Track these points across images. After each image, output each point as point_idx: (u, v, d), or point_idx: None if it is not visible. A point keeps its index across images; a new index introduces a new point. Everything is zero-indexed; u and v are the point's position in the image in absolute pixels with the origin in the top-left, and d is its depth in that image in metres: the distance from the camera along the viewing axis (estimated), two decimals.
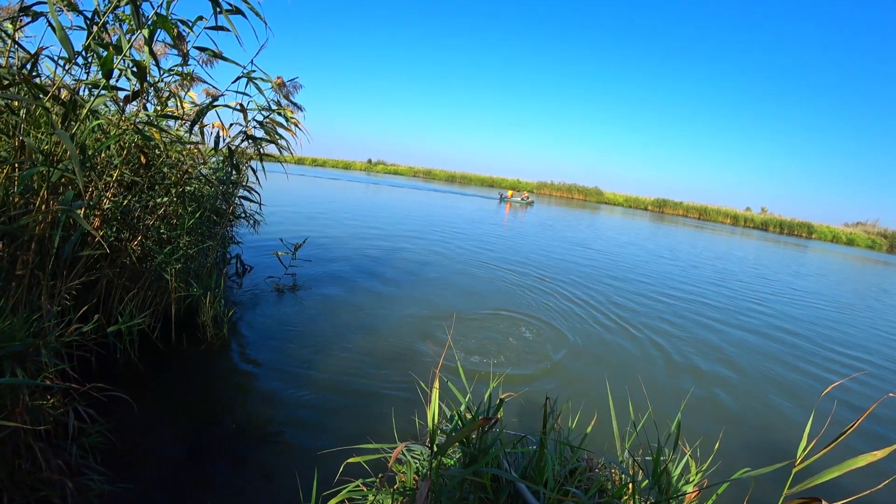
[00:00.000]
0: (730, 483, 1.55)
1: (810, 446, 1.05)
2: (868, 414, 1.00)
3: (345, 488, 1.58)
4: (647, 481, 1.48)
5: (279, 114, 4.18)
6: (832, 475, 0.96)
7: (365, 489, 1.66)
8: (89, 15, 2.53)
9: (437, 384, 1.41)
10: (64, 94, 2.71)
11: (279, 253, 6.15)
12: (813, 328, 7.44)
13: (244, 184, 4.82)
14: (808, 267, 18.05)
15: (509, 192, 35.21)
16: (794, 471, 1.04)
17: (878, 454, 0.94)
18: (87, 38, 2.44)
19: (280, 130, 4.33)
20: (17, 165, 2.41)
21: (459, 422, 1.52)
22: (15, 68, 2.37)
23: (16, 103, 2.55)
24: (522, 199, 32.77)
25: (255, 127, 4.15)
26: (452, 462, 1.65)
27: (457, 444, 1.47)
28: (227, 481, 2.38)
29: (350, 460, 1.61)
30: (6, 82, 2.29)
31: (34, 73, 2.53)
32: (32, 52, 2.42)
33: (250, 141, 4.25)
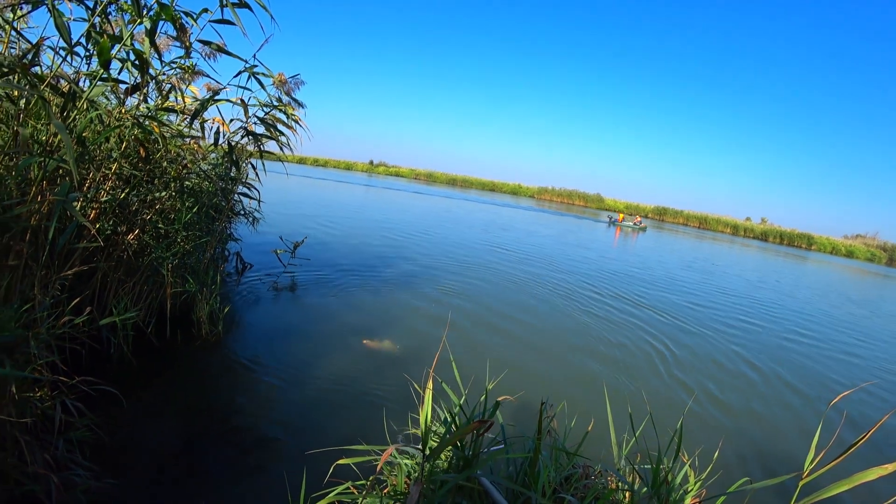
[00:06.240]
0: (728, 496, 1.51)
1: (818, 459, 1.01)
2: (879, 426, 0.96)
3: (333, 490, 1.54)
4: (645, 489, 1.44)
5: (280, 110, 4.16)
6: (840, 489, 0.92)
7: (355, 492, 1.62)
8: (91, 5, 2.51)
9: (430, 385, 1.37)
10: (64, 84, 2.68)
11: (278, 251, 6.12)
12: (821, 339, 7.41)
13: (243, 180, 4.79)
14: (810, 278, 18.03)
15: (619, 216, 32.60)
16: (801, 483, 1.00)
17: (890, 467, 0.90)
18: (87, 27, 2.41)
19: (280, 127, 4.31)
20: (14, 155, 2.38)
21: (453, 424, 1.47)
22: (16, 57, 2.35)
23: (15, 93, 2.52)
24: (635, 223, 30.18)
25: (255, 123, 4.13)
26: (445, 465, 1.61)
27: (449, 447, 1.43)
28: (216, 479, 2.34)
29: (340, 462, 1.57)
30: (5, 70, 2.26)
31: (34, 63, 2.50)
32: (34, 41, 2.40)
33: (250, 137, 4.22)
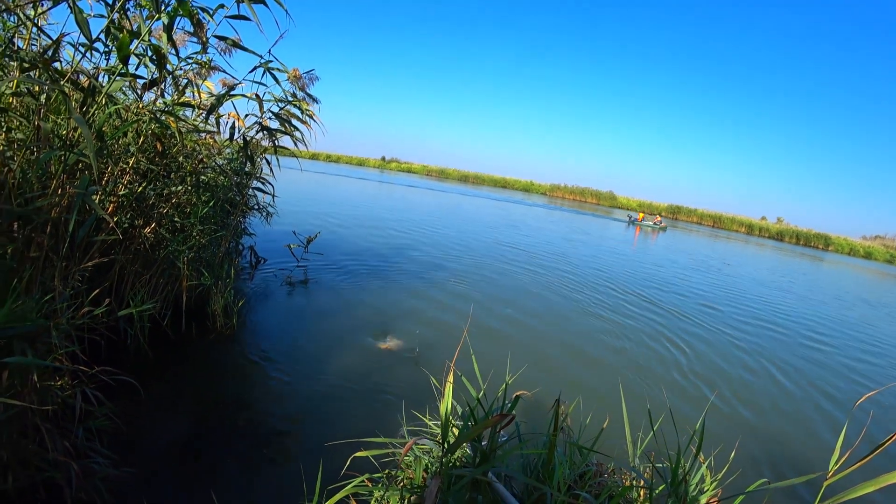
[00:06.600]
0: (746, 496, 1.49)
1: (843, 459, 0.99)
2: None
3: (349, 483, 1.55)
4: (663, 486, 1.43)
5: (295, 105, 4.17)
6: (866, 490, 0.90)
7: (370, 485, 1.63)
8: (110, 1, 2.54)
9: (451, 377, 1.36)
10: (83, 80, 2.72)
11: (291, 245, 6.16)
12: (838, 340, 7.27)
13: (258, 175, 4.83)
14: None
15: (639, 215, 31.95)
16: (826, 483, 0.98)
17: None
18: (106, 23, 2.44)
19: (295, 122, 4.33)
20: (35, 149, 2.43)
21: (472, 418, 1.47)
22: (37, 53, 2.39)
23: (36, 88, 2.56)
24: (655, 223, 29.54)
25: (270, 118, 4.15)
26: (459, 460, 1.61)
27: (467, 441, 1.43)
28: (231, 470, 2.37)
29: (357, 454, 1.57)
30: (26, 66, 2.30)
31: (55, 59, 2.54)
32: (54, 38, 2.44)
33: (265, 132, 4.25)
